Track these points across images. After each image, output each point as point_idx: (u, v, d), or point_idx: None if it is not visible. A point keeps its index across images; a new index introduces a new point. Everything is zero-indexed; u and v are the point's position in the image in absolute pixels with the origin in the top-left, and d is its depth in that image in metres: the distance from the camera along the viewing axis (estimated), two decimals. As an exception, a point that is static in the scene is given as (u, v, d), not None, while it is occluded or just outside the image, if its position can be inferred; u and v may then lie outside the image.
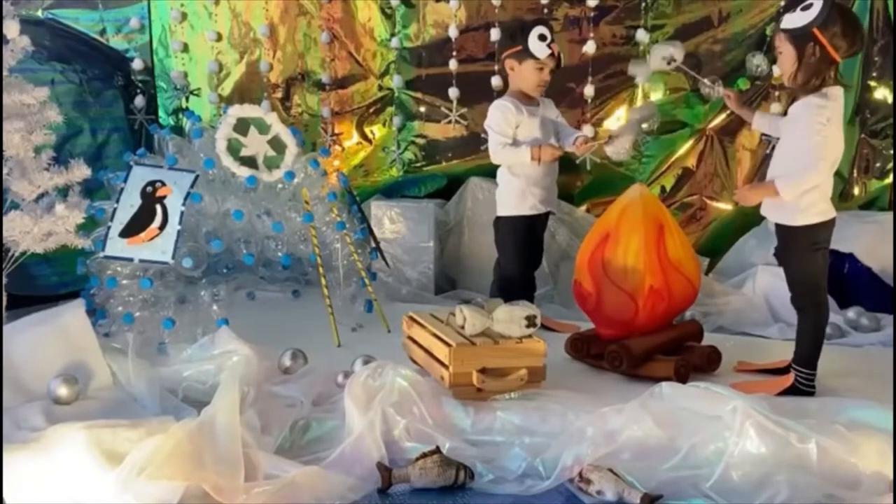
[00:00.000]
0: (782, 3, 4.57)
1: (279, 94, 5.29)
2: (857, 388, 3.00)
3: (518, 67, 3.76)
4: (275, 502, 2.32)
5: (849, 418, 2.60)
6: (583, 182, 5.05)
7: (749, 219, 4.75)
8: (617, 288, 3.26)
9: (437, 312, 3.23)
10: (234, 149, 3.69)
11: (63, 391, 2.74)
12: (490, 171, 3.98)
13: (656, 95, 4.94)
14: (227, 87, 5.30)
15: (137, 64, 5.12)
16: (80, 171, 3.04)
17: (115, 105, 4.86)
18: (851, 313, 4.09)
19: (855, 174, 4.85)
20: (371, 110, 5.30)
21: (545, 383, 2.94)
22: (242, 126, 3.72)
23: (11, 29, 2.95)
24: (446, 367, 2.86)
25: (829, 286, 3.11)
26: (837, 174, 3.07)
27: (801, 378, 3.04)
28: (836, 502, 2.35)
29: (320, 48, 5.22)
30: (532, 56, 3.70)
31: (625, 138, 3.69)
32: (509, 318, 2.94)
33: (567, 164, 4.82)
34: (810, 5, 2.88)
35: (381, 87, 5.26)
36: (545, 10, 4.88)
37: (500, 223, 3.88)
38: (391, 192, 5.17)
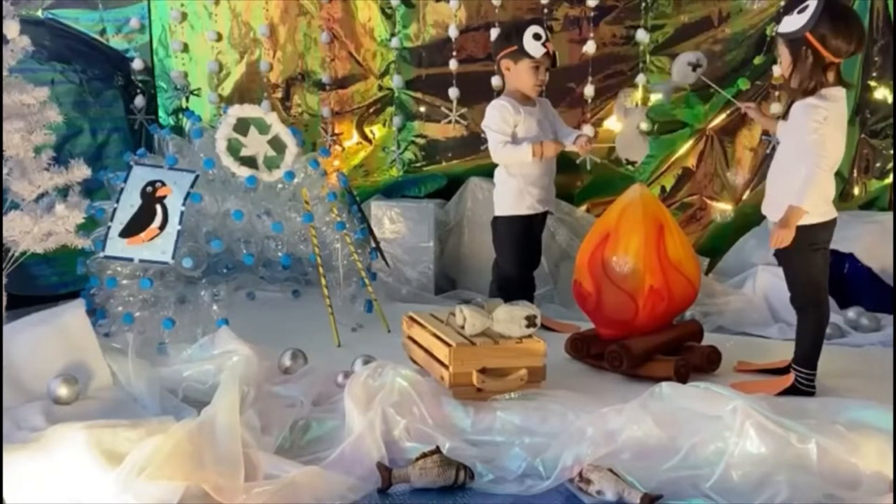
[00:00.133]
0: (782, 4, 4.58)
1: (279, 94, 5.29)
2: (857, 388, 3.00)
3: (514, 67, 3.76)
4: (275, 502, 2.32)
5: (849, 418, 2.60)
6: (583, 182, 5.04)
7: (749, 219, 4.75)
8: (617, 288, 3.26)
9: (437, 312, 3.23)
10: (234, 149, 3.69)
11: (63, 391, 2.74)
12: (490, 171, 3.98)
13: (656, 96, 4.94)
14: (227, 87, 5.30)
15: (137, 64, 5.12)
16: (80, 171, 3.05)
17: (115, 105, 4.86)
18: (851, 313, 4.09)
19: (855, 174, 4.85)
20: (371, 110, 5.30)
21: (545, 383, 2.94)
22: (242, 126, 3.72)
23: (11, 29, 2.95)
24: (446, 367, 2.86)
25: (829, 286, 3.12)
26: (837, 174, 3.07)
27: (801, 378, 3.04)
28: (836, 502, 2.35)
29: (320, 48, 5.22)
30: (528, 55, 3.70)
31: (641, 152, 3.71)
32: (509, 318, 2.94)
33: (567, 164, 4.83)
34: (805, 8, 2.88)
35: (381, 87, 5.25)
36: (545, 10, 4.88)
37: (498, 223, 3.88)
38: (391, 192, 5.17)
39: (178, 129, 4.84)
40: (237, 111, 3.75)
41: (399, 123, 5.20)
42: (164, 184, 3.52)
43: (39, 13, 5.11)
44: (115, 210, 3.49)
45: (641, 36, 4.83)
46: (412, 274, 4.84)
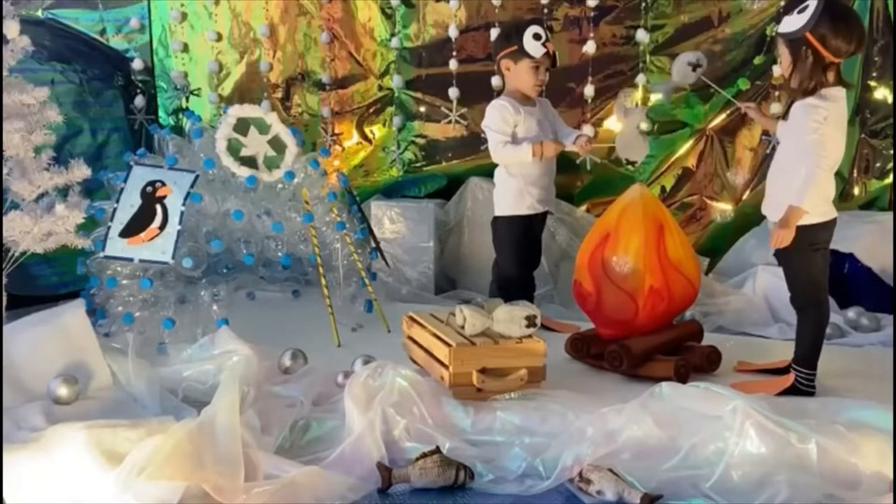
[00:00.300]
0: (782, 4, 4.59)
1: (279, 94, 5.29)
2: (857, 388, 3.00)
3: (514, 67, 3.76)
4: (275, 502, 2.32)
5: (849, 418, 2.60)
6: (583, 182, 5.04)
7: (749, 219, 4.75)
8: (617, 288, 3.26)
9: (437, 312, 3.23)
10: (234, 149, 3.69)
11: (63, 391, 2.74)
12: (490, 171, 3.98)
13: (656, 96, 4.94)
14: (227, 87, 5.30)
15: (137, 64, 5.12)
16: (80, 171, 3.04)
17: (115, 105, 4.86)
18: (851, 313, 4.09)
19: (855, 174, 4.85)
20: (371, 110, 5.30)
21: (545, 383, 2.94)
22: (242, 126, 3.72)
23: (11, 29, 2.95)
24: (446, 367, 2.86)
25: (829, 286, 3.12)
26: (837, 174, 3.07)
27: (801, 378, 3.04)
28: (836, 502, 2.35)
29: (320, 48, 5.22)
30: (528, 55, 3.70)
31: (642, 152, 3.71)
32: (509, 318, 2.94)
33: (567, 164, 4.83)
34: (805, 8, 2.88)
35: (381, 87, 5.25)
36: (545, 10, 4.88)
37: (498, 223, 3.88)
38: (391, 192, 5.17)
39: (178, 129, 4.84)
40: (237, 111, 3.75)
41: (399, 123, 5.20)
42: (164, 184, 3.52)
43: (39, 13, 5.11)
44: (115, 210, 3.49)
45: (641, 36, 4.83)
46: (412, 274, 4.84)
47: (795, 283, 3.09)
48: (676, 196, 4.99)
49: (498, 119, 3.73)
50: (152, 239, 3.46)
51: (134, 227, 3.47)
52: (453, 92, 5.03)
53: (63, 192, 3.07)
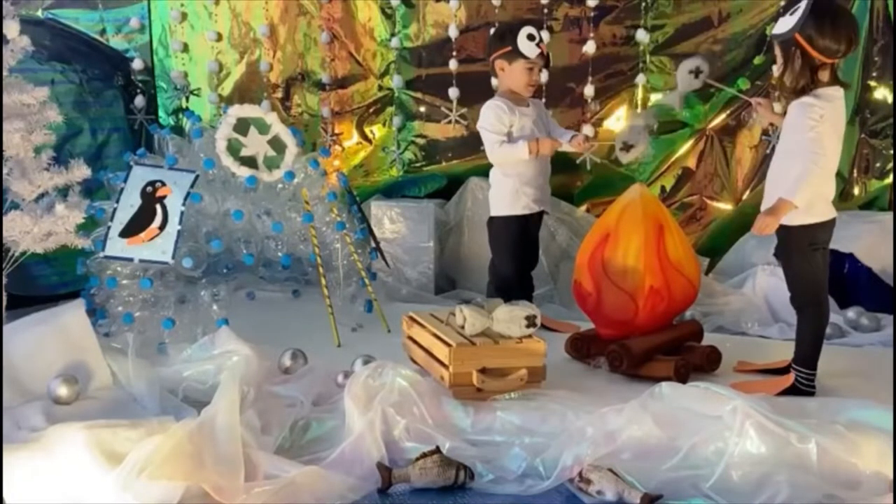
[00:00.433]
0: (782, 4, 4.59)
1: (279, 94, 5.29)
2: (857, 388, 3.00)
3: (508, 68, 3.76)
4: (275, 502, 2.32)
5: (849, 418, 2.59)
6: (583, 182, 5.05)
7: (749, 219, 4.70)
8: (617, 288, 3.26)
9: (437, 312, 3.23)
10: (234, 149, 3.69)
11: (63, 391, 2.74)
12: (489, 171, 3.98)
13: (656, 96, 4.94)
14: (227, 87, 5.30)
15: (137, 64, 5.12)
16: (80, 171, 3.04)
17: (115, 105, 4.86)
18: (851, 313, 4.09)
19: (855, 174, 4.85)
20: (371, 110, 5.30)
21: (545, 383, 2.94)
22: (242, 126, 3.72)
23: (11, 29, 2.95)
24: (446, 367, 2.86)
25: (829, 286, 3.12)
26: (837, 174, 3.06)
27: (801, 378, 3.04)
28: (836, 502, 2.35)
29: (320, 48, 5.22)
30: (522, 56, 3.71)
31: (641, 146, 3.70)
32: (509, 318, 2.94)
33: (567, 164, 4.83)
34: (797, 9, 2.90)
35: (381, 87, 5.25)
36: (545, 10, 4.88)
37: (494, 223, 3.88)
38: (391, 192, 5.17)
39: (178, 129, 4.84)
40: (237, 111, 3.75)
41: (399, 123, 5.20)
42: (164, 184, 3.53)
43: (39, 13, 5.10)
44: (115, 210, 3.50)
45: (641, 36, 4.83)
46: (412, 274, 4.84)
47: (795, 283, 3.09)
48: (676, 196, 5.00)
49: (493, 119, 3.73)
50: (152, 239, 3.46)
51: (134, 227, 3.47)
52: (453, 92, 5.03)
53: (63, 192, 3.07)
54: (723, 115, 4.90)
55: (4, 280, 2.98)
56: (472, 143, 4.99)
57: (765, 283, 4.29)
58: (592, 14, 4.86)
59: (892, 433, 2.49)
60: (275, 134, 3.76)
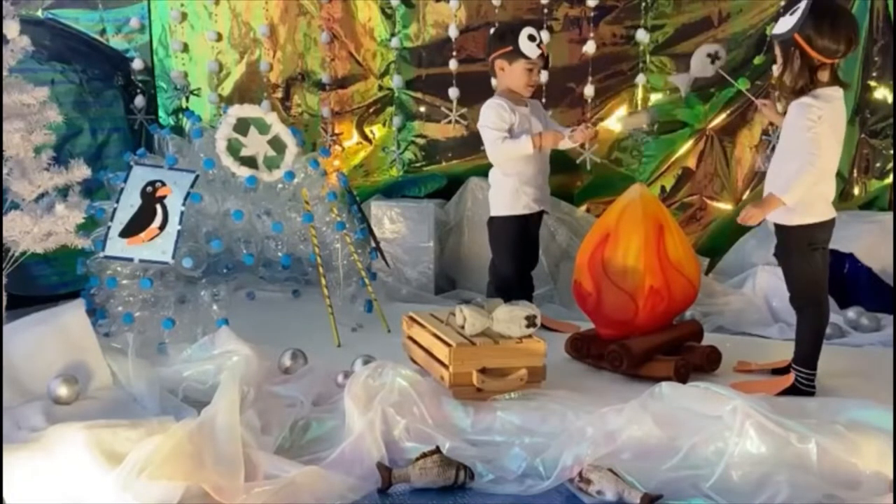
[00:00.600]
0: (782, 4, 4.59)
1: (279, 94, 5.29)
2: (857, 388, 3.00)
3: (508, 68, 3.77)
4: (275, 502, 2.32)
5: (849, 418, 2.59)
6: (583, 182, 5.05)
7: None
8: (617, 288, 3.26)
9: (437, 312, 3.23)
10: (234, 149, 3.69)
11: (63, 391, 2.73)
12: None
13: (656, 96, 4.94)
14: (227, 87, 5.30)
15: (137, 64, 5.12)
16: (80, 171, 3.04)
17: (115, 105, 4.86)
18: (851, 313, 4.09)
19: (855, 174, 4.85)
20: (371, 110, 5.30)
21: (545, 383, 2.94)
22: (242, 126, 3.72)
23: (11, 29, 2.95)
24: (446, 367, 2.86)
25: (829, 286, 3.12)
26: (837, 174, 3.07)
27: (801, 378, 3.04)
28: (836, 502, 2.35)
29: (320, 48, 5.22)
30: (523, 56, 3.71)
31: (641, 115, 3.68)
32: (509, 318, 2.94)
33: (567, 164, 4.84)
34: (796, 10, 2.90)
35: (381, 87, 5.26)
36: (545, 10, 4.88)
37: (494, 223, 3.89)
38: (391, 192, 5.17)
39: (178, 129, 4.84)
40: (237, 111, 3.75)
41: (399, 123, 5.20)
42: (164, 184, 3.52)
43: (39, 13, 5.10)
44: (115, 210, 3.49)
45: (641, 36, 4.83)
46: (412, 274, 4.84)
47: (795, 283, 3.09)
48: (676, 196, 5.00)
49: (494, 117, 3.73)
50: (152, 239, 3.46)
51: (134, 227, 3.47)
52: (453, 92, 5.03)
53: (63, 192, 3.07)
54: (723, 115, 4.90)
55: (4, 280, 2.98)
56: (472, 143, 4.99)
57: (765, 283, 4.29)
58: (592, 14, 4.86)
59: (892, 433, 2.49)
60: (275, 134, 3.76)
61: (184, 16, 5.21)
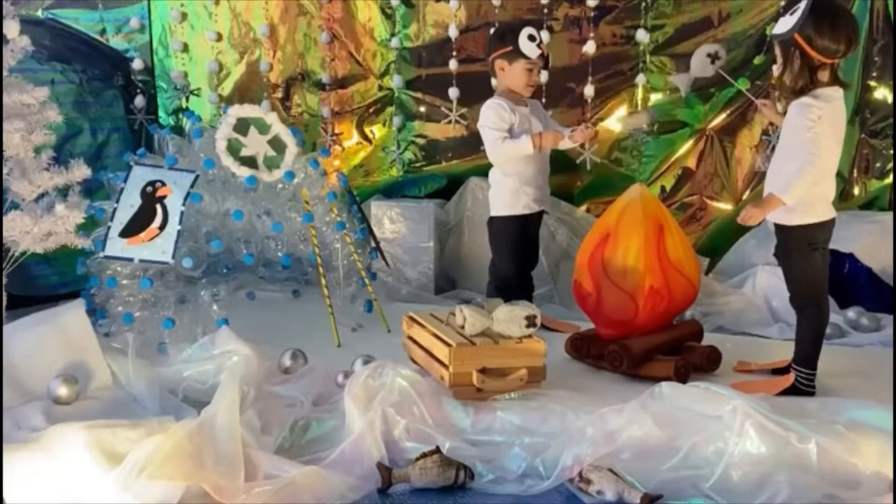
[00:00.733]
0: (782, 4, 4.59)
1: (279, 94, 5.29)
2: (857, 388, 3.00)
3: (508, 68, 3.77)
4: (275, 502, 2.32)
5: (849, 418, 2.59)
6: (583, 182, 5.05)
7: (749, 219, 4.75)
8: (617, 288, 3.26)
9: (437, 312, 3.23)
10: (234, 149, 3.69)
11: (63, 391, 2.73)
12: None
13: (656, 96, 4.94)
14: (227, 87, 5.30)
15: (137, 64, 5.12)
16: (80, 171, 3.04)
17: (115, 105, 4.86)
18: (851, 313, 4.09)
19: (855, 174, 4.85)
20: (371, 110, 5.30)
21: (545, 383, 2.94)
22: (242, 126, 3.72)
23: (11, 29, 2.95)
24: (446, 367, 2.86)
25: (829, 286, 3.11)
26: (837, 174, 3.07)
27: (801, 378, 3.04)
28: (836, 502, 2.35)
29: (320, 48, 5.22)
30: (523, 56, 3.71)
31: (641, 115, 3.68)
32: (509, 318, 2.94)
33: (567, 164, 4.84)
34: (796, 10, 2.90)
35: (381, 87, 5.26)
36: (545, 10, 4.88)
37: (494, 223, 3.89)
38: (391, 192, 5.17)
39: (178, 129, 4.84)
40: (237, 111, 3.75)
41: (399, 123, 5.20)
42: (164, 184, 3.53)
43: (39, 13, 5.11)
44: (115, 210, 3.50)
45: (641, 36, 4.83)
46: (412, 274, 4.84)
47: (795, 283, 3.09)
48: (676, 196, 5.00)
49: (494, 117, 3.73)
50: (152, 239, 3.46)
51: (134, 227, 3.47)
52: (453, 92, 5.03)
53: (63, 192, 3.07)
54: (723, 115, 4.90)
55: (4, 280, 2.98)
56: (472, 143, 4.99)
57: (765, 283, 4.29)
58: (592, 14, 4.86)
59: (892, 433, 2.49)
60: (275, 134, 3.76)
61: (184, 16, 5.21)
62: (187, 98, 5.28)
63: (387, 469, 2.47)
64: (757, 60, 4.79)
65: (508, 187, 3.79)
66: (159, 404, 2.76)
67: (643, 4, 4.84)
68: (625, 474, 2.42)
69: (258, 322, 3.90)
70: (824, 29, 2.87)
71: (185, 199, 3.50)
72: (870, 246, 4.35)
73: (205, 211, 3.62)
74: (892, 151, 4.79)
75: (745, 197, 4.91)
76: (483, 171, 4.76)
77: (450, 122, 5.10)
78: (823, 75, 2.94)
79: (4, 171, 2.96)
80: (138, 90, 5.07)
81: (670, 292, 3.27)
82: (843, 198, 4.68)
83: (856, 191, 4.88)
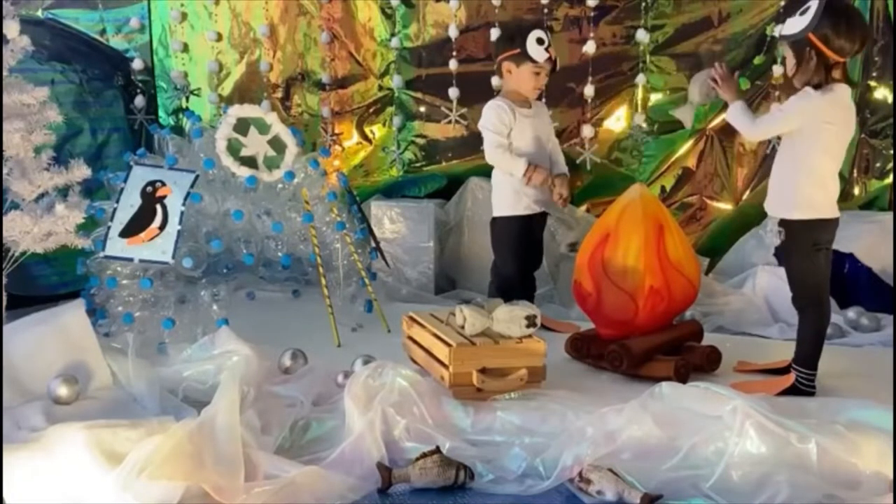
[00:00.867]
0: (782, 4, 4.59)
1: (279, 94, 5.29)
2: (857, 388, 3.00)
3: (515, 70, 3.76)
4: (275, 502, 2.32)
5: (849, 418, 2.59)
6: (583, 182, 5.04)
7: (749, 219, 4.75)
8: (617, 288, 3.26)
9: (437, 312, 3.23)
10: (234, 149, 3.69)
11: (63, 391, 2.73)
12: (490, 171, 3.98)
13: (656, 96, 4.94)
14: (227, 87, 5.30)
15: (137, 64, 5.12)
16: (80, 171, 3.04)
17: (115, 105, 4.86)
18: (851, 313, 4.09)
19: (855, 174, 4.85)
20: (371, 110, 5.30)
21: (545, 383, 2.94)
22: (242, 126, 3.72)
23: (11, 29, 2.95)
24: (446, 367, 2.86)
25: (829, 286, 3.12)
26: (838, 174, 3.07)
27: (801, 378, 3.04)
28: (836, 502, 2.35)
29: (320, 48, 5.22)
30: (531, 59, 3.71)
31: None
32: (509, 318, 2.94)
33: (567, 164, 4.82)
34: (807, 9, 2.90)
35: (381, 87, 5.25)
36: (545, 10, 4.88)
37: (496, 224, 3.89)
38: (391, 192, 5.17)
39: (178, 129, 4.84)
40: (237, 111, 3.75)
41: (399, 123, 5.20)
42: (164, 184, 3.52)
43: (39, 13, 5.10)
44: (115, 210, 3.49)
45: (641, 36, 4.83)
46: (412, 274, 4.84)
47: (797, 283, 3.09)
48: (676, 196, 5.00)
49: (494, 119, 3.73)
50: (152, 239, 3.46)
51: (134, 227, 3.47)
52: (453, 92, 5.03)
53: (63, 192, 3.06)
54: (723, 115, 4.88)
55: (4, 280, 2.98)
56: (472, 143, 4.99)
57: (765, 283, 4.29)
58: (592, 14, 4.86)
59: (892, 433, 2.49)
60: (275, 134, 3.76)
61: (184, 16, 5.21)
62: (187, 98, 5.27)
63: (387, 469, 2.47)
64: (757, 60, 4.79)
65: (510, 188, 3.80)
66: (159, 404, 2.76)
67: (643, 4, 4.84)
68: (625, 474, 2.42)
69: (258, 322, 3.90)
70: (841, 28, 2.88)
71: (185, 199, 3.50)
72: (870, 246, 4.35)
73: (205, 211, 3.62)
74: (892, 151, 4.79)
75: (745, 197, 4.92)
76: (483, 171, 4.77)
77: (450, 122, 5.10)
78: (836, 73, 2.95)
79: (4, 171, 2.95)
80: (138, 90, 5.07)
81: (670, 292, 3.27)
82: (843, 198, 4.62)
83: (856, 191, 4.88)
